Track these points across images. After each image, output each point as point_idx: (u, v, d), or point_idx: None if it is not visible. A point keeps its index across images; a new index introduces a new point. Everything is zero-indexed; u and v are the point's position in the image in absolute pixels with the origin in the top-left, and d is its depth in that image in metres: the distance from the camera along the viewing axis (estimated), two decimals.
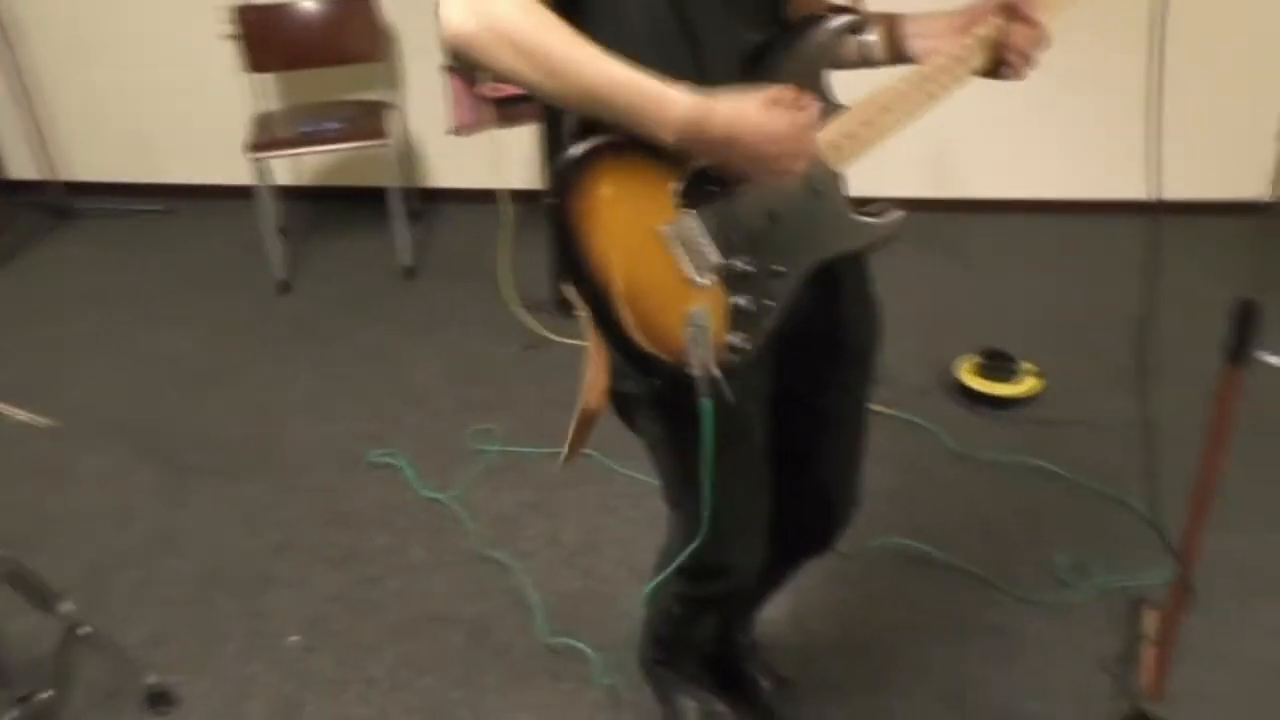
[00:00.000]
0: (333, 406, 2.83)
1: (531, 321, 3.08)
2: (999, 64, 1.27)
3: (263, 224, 3.44)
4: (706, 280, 1.18)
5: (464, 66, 2.86)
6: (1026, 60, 1.26)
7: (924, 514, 2.32)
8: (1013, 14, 1.24)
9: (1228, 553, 2.12)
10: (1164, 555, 2.04)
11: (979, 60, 1.26)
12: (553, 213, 1.13)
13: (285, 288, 3.43)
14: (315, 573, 2.24)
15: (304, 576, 2.23)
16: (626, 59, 1.09)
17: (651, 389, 1.26)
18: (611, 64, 1.08)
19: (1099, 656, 1.94)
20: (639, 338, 1.17)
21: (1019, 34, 1.24)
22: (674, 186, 1.16)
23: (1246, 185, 3.37)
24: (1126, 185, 3.44)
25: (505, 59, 1.08)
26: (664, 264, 1.16)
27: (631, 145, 1.13)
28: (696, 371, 1.17)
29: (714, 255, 1.18)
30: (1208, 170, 3.31)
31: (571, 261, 1.15)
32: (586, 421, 1.32)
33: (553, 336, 3.03)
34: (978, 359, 2.72)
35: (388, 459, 2.57)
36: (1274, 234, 1.44)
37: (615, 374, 1.28)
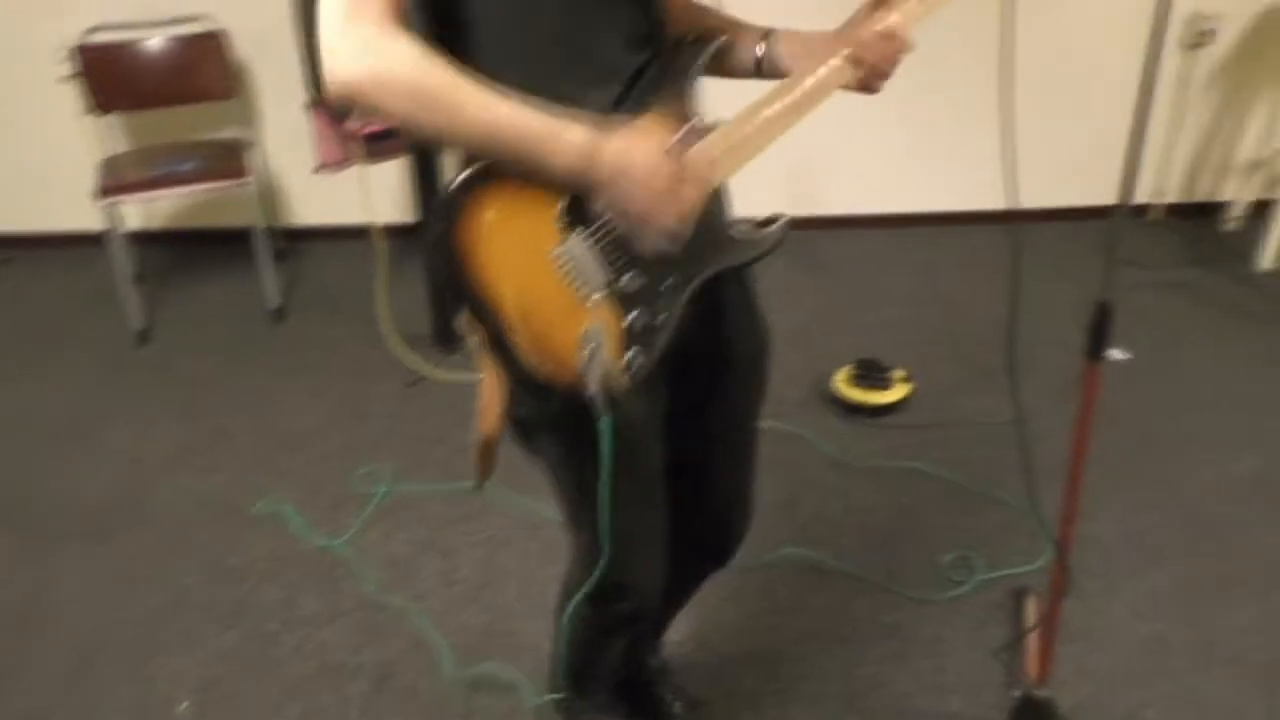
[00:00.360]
0: (207, 458, 2.72)
1: (411, 358, 3.04)
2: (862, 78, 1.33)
3: (116, 272, 3.28)
4: (598, 299, 1.19)
5: (330, 102, 2.81)
6: (883, 74, 1.32)
7: (812, 523, 2.39)
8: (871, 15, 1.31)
9: (1093, 537, 2.26)
10: (1039, 544, 2.17)
11: (847, 74, 1.32)
12: (440, 241, 1.13)
13: (143, 338, 3.28)
14: (204, 633, 2.15)
15: (192, 638, 2.13)
16: (508, 81, 1.10)
17: (550, 411, 1.27)
18: (503, 103, 1.09)
19: (989, 647, 2.03)
20: (535, 360, 1.17)
21: (876, 46, 1.30)
22: (560, 207, 1.17)
23: (1095, 191, 3.62)
24: (980, 196, 3.66)
25: (396, 105, 1.07)
26: (556, 285, 1.17)
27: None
28: (594, 391, 1.18)
29: (603, 274, 1.19)
30: (1058, 178, 3.52)
31: (462, 289, 1.14)
32: (486, 448, 1.32)
33: (434, 372, 3.00)
34: (851, 369, 2.82)
35: (272, 508, 2.49)
36: (1120, 237, 1.53)
37: (512, 398, 1.27)
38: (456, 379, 2.95)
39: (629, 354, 1.22)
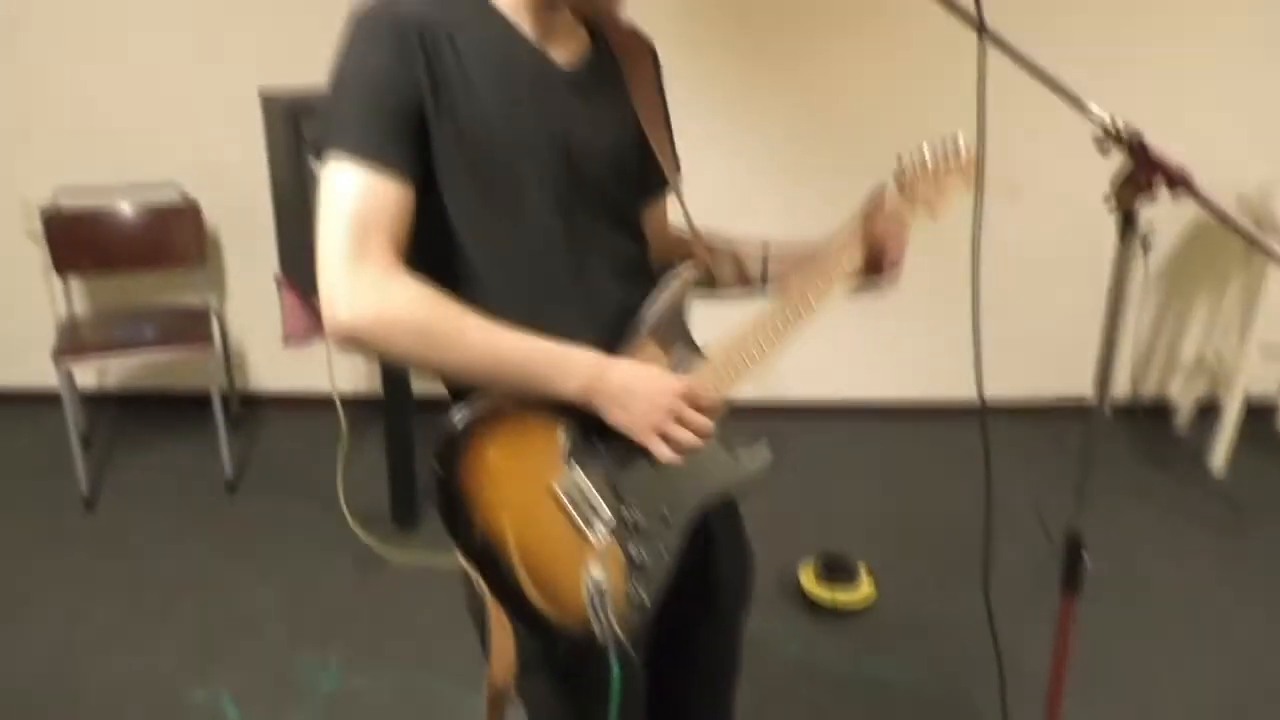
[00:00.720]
0: (144, 638, 2.58)
1: (367, 538, 2.95)
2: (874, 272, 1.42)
3: (68, 434, 3.18)
4: (601, 534, 1.18)
5: (300, 279, 2.82)
6: (896, 249, 1.41)
7: None
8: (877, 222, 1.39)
9: None
10: None
11: (857, 257, 1.40)
12: (440, 485, 1.12)
13: (90, 504, 3.17)
14: None
15: None
16: (505, 317, 1.12)
17: (553, 655, 1.22)
18: (506, 335, 1.11)
19: None
20: (540, 602, 1.14)
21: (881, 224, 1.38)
22: (560, 441, 1.17)
23: (1050, 384, 3.71)
24: (937, 387, 3.73)
25: (403, 345, 1.08)
26: (558, 522, 1.16)
27: (513, 404, 1.14)
28: (601, 631, 1.14)
29: (605, 508, 1.19)
30: (1015, 370, 3.58)
31: (464, 532, 1.13)
32: (499, 699, 1.26)
33: (391, 554, 2.91)
34: (815, 566, 2.79)
35: (209, 698, 2.36)
36: (1097, 432, 1.55)
37: (518, 642, 1.23)
38: (414, 564, 2.86)
39: (632, 589, 1.20)
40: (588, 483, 1.18)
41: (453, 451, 1.11)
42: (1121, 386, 3.94)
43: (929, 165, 1.46)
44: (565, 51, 1.25)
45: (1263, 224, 3.29)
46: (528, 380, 1.12)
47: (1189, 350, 3.89)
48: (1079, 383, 3.72)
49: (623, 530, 1.20)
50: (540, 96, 1.20)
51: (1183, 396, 3.84)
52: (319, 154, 1.13)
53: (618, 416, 1.16)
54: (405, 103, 1.11)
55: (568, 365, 1.14)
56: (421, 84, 1.11)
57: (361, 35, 1.13)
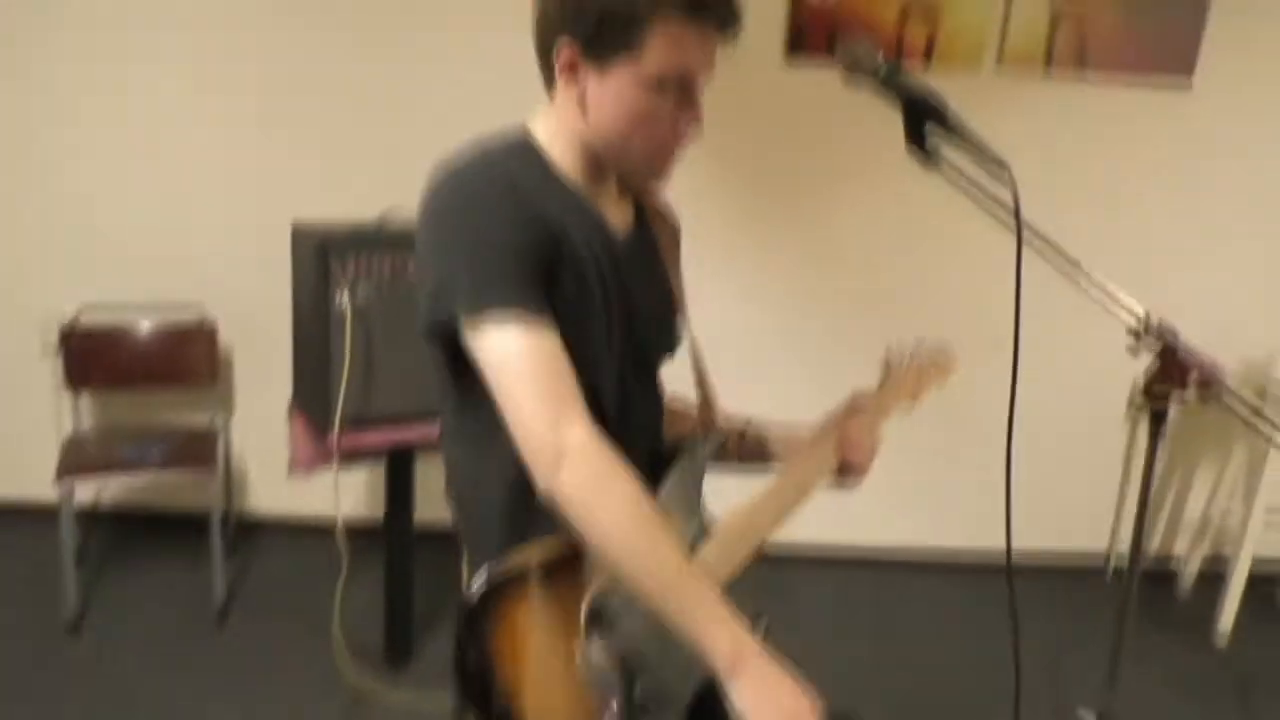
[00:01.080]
0: None
1: (358, 678, 2.86)
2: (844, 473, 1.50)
3: (62, 554, 3.11)
4: (616, 707, 1.16)
5: (313, 410, 2.80)
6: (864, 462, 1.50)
7: None
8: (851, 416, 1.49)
9: None
10: None
11: (832, 462, 1.48)
12: (465, 648, 1.11)
13: (75, 627, 3.08)
14: None
15: None
16: None
17: None
18: (690, 563, 1.14)
19: None
20: None
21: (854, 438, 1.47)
22: (583, 611, 1.16)
23: (1065, 541, 3.68)
24: (945, 536, 3.70)
25: (601, 526, 1.09)
26: (573, 691, 1.15)
27: (542, 571, 1.15)
28: None
29: (619, 682, 1.17)
30: (1028, 528, 3.56)
31: (483, 698, 1.11)
32: None
33: (382, 693, 2.82)
34: None
35: None
36: (1124, 624, 1.54)
37: None
38: (407, 701, 2.78)
39: None
40: (607, 652, 1.17)
41: (485, 615, 1.11)
42: (1123, 546, 3.91)
43: (910, 360, 1.62)
44: (616, 220, 1.29)
45: (1264, 394, 3.34)
46: (684, 616, 1.10)
47: (1193, 513, 3.88)
48: (1079, 539, 3.73)
49: (634, 705, 1.18)
50: (613, 261, 1.24)
51: (1186, 560, 3.82)
52: (450, 317, 1.12)
53: (746, 695, 1.11)
54: (542, 260, 1.13)
55: (727, 628, 1.11)
56: (548, 241, 1.14)
57: (483, 193, 1.13)
